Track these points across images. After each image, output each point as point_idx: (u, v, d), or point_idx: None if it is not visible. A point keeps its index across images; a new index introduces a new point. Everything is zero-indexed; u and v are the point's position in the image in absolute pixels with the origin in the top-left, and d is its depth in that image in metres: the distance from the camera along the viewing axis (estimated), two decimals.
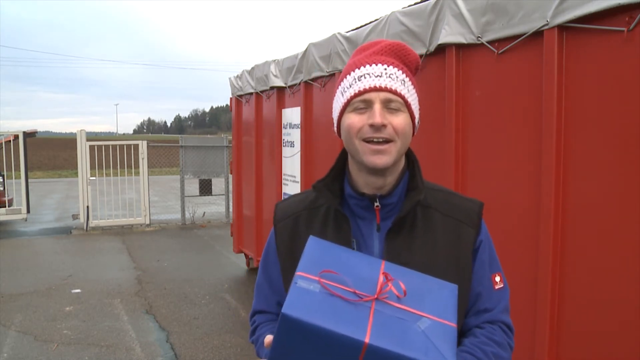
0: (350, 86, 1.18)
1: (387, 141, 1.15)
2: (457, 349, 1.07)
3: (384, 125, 1.13)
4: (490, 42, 2.58)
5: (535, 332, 2.33)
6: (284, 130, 5.34)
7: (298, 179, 5.02)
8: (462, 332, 1.22)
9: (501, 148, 2.58)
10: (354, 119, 1.17)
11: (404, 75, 1.19)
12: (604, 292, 2.09)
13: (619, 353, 2.02)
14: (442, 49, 2.86)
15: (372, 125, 1.14)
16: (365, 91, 1.15)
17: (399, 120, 1.16)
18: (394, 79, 1.17)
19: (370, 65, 1.18)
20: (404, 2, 3.91)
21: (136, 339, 4.85)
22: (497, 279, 1.27)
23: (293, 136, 5.08)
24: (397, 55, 1.21)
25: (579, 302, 2.19)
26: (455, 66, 2.79)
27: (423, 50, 3.01)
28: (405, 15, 3.16)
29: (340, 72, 1.38)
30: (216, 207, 12.07)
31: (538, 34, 2.30)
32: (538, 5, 2.28)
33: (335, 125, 1.26)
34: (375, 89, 1.15)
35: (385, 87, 1.15)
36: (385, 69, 1.17)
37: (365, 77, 1.17)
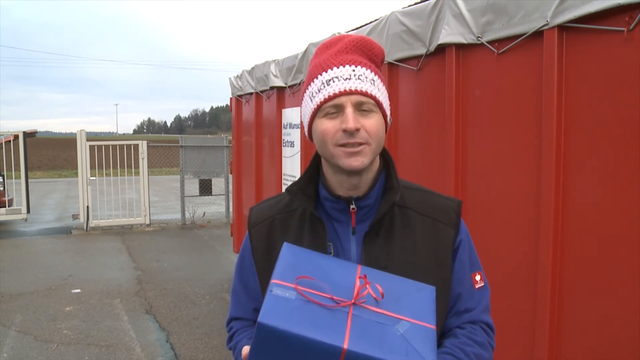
0: (319, 91, 1.14)
1: (361, 144, 1.12)
2: (438, 350, 1.06)
3: (357, 130, 1.10)
4: (490, 42, 2.58)
5: (535, 332, 2.33)
6: (284, 130, 5.33)
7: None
8: (443, 333, 1.21)
9: (501, 148, 2.58)
10: (326, 125, 1.13)
11: (373, 74, 1.16)
12: (604, 292, 2.09)
13: (620, 353, 2.02)
14: (442, 49, 2.86)
15: (345, 131, 1.10)
16: (335, 95, 1.11)
17: (372, 122, 1.13)
18: (364, 80, 1.13)
19: (338, 67, 1.13)
20: (404, 2, 3.91)
21: (136, 339, 4.85)
22: (478, 277, 1.26)
23: (293, 136, 5.08)
24: (362, 51, 1.17)
25: (580, 302, 2.19)
26: (455, 66, 2.79)
27: (423, 50, 3.01)
28: (405, 15, 3.16)
29: None
30: (216, 207, 12.07)
31: (538, 34, 2.30)
32: (538, 5, 2.28)
33: (306, 130, 1.23)
34: (346, 93, 1.11)
35: (356, 90, 1.11)
36: (354, 70, 1.13)
37: (333, 81, 1.13)
